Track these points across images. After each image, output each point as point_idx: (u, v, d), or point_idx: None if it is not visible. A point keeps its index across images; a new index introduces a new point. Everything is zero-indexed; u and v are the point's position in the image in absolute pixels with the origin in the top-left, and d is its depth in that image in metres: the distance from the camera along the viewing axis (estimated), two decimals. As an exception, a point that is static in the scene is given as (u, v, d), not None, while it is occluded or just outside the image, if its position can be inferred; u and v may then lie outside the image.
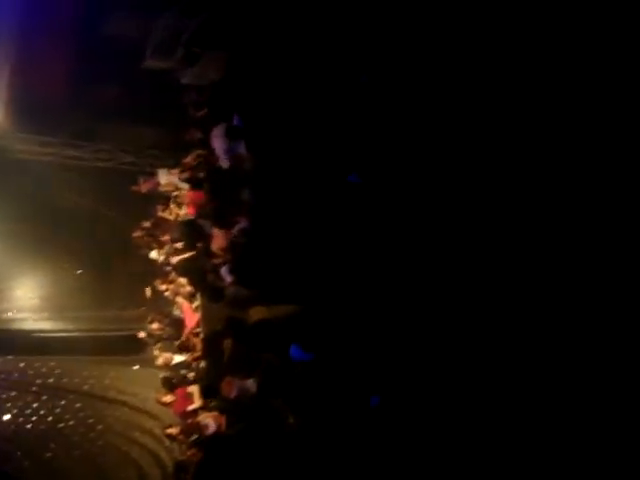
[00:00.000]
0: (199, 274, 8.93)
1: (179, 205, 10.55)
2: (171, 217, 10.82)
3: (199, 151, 9.54)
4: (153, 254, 11.62)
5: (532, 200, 5.03)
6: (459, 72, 5.49)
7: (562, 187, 4.86)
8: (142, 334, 11.59)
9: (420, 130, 5.76)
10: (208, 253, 8.35)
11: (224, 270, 7.86)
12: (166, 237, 11.09)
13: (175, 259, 10.36)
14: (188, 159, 9.63)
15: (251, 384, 7.32)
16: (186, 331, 10.35)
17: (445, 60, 5.59)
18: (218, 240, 8.12)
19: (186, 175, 9.81)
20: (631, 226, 4.46)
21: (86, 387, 12.51)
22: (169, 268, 11.10)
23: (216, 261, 8.22)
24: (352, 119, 6.34)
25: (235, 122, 7.93)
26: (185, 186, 9.95)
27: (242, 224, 7.54)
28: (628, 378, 4.38)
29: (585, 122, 4.77)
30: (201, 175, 9.63)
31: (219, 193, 8.42)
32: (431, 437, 5.32)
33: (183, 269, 9.92)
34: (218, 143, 8.20)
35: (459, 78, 5.49)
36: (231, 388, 7.51)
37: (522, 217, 5.07)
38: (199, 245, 8.95)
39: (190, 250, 9.56)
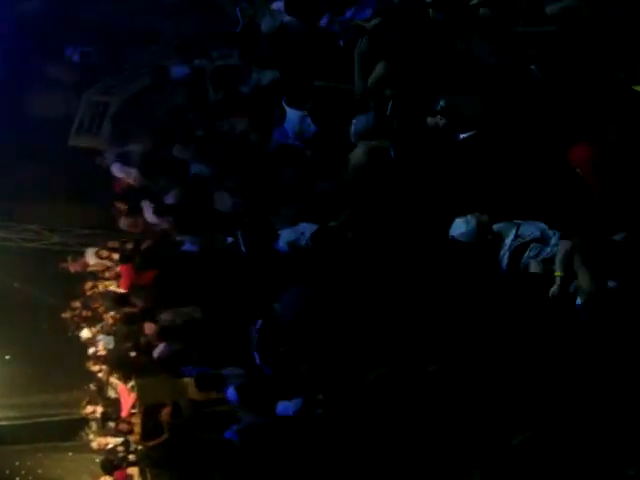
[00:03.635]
0: (131, 365, 8.93)
1: (108, 281, 10.43)
2: (100, 295, 10.68)
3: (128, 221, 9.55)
4: (84, 334, 11.35)
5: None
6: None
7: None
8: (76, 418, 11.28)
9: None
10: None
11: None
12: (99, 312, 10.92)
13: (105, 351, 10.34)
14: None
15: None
16: (123, 412, 10.07)
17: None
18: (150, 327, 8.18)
19: (115, 247, 9.80)
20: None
21: (17, 478, 11.95)
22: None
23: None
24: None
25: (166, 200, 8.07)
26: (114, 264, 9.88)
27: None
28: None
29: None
30: (129, 247, 9.61)
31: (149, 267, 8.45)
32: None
33: (115, 361, 9.86)
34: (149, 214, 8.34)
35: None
36: None
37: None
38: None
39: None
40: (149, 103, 9.40)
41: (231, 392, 6.73)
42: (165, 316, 8.09)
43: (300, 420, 6.20)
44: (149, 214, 8.48)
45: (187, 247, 7.87)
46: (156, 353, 7.99)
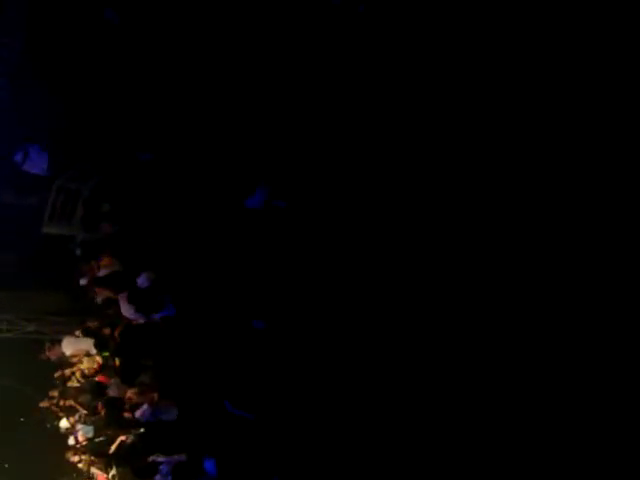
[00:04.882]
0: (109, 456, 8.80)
1: (86, 372, 10.30)
2: (78, 384, 10.50)
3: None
4: (63, 424, 11.11)
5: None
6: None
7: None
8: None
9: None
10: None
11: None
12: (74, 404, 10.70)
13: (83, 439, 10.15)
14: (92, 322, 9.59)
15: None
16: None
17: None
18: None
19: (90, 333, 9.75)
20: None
21: None
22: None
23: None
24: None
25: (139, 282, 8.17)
26: (92, 351, 9.79)
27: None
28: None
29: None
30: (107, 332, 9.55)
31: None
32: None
33: (95, 450, 9.66)
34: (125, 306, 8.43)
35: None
36: None
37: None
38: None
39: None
40: (120, 188, 9.52)
41: (211, 466, 6.69)
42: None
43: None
44: (125, 307, 8.60)
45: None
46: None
